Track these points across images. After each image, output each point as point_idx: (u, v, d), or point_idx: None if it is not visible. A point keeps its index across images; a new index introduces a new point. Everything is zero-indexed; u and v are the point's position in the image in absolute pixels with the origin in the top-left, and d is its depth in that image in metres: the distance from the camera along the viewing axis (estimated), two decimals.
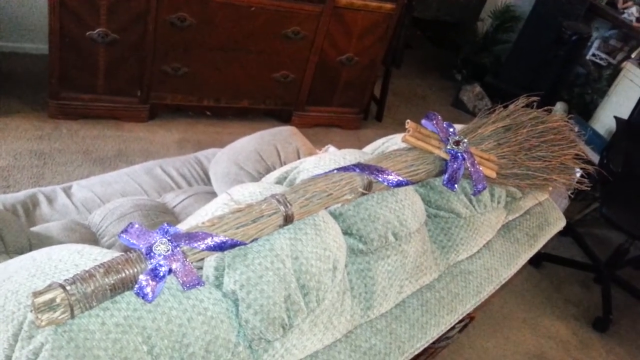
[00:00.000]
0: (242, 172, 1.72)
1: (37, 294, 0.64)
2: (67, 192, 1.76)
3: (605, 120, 3.53)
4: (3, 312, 0.69)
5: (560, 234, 1.48)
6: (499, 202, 1.15)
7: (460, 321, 1.95)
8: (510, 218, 1.25)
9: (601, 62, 3.93)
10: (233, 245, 0.77)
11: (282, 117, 3.12)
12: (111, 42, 2.47)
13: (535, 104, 1.24)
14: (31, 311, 0.66)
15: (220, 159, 1.82)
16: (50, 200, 1.71)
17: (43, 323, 0.64)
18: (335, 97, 3.16)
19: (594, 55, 3.95)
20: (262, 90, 2.95)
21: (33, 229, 1.48)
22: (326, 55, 2.95)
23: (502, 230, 1.24)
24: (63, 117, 2.62)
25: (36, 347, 0.65)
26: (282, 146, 1.82)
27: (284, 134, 1.92)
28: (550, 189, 1.27)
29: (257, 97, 2.97)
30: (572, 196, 1.30)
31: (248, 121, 3.04)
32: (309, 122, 3.15)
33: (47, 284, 0.67)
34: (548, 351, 2.31)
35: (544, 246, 1.45)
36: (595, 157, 3.09)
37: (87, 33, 2.41)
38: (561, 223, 1.35)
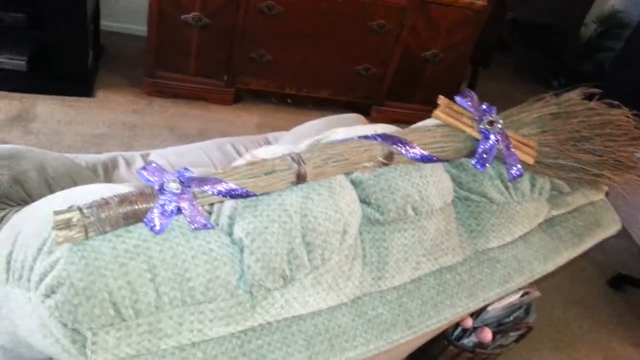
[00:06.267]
0: None
1: (57, 212, 0.72)
2: (144, 158, 1.90)
3: None
4: (35, 228, 0.78)
5: None
6: (540, 194, 1.11)
7: (516, 330, 1.87)
8: (555, 213, 1.19)
9: None
10: (243, 194, 0.81)
11: (361, 110, 3.13)
12: (204, 26, 2.63)
13: (597, 95, 1.18)
14: (53, 228, 0.74)
15: (284, 140, 1.88)
16: (128, 164, 1.86)
17: (60, 239, 0.72)
18: (417, 94, 3.13)
19: None
20: (343, 82, 2.99)
21: None
22: (410, 50, 2.93)
23: (544, 224, 1.18)
24: (156, 94, 2.83)
25: (53, 261, 0.73)
26: None
27: (349, 121, 1.95)
28: (606, 188, 1.19)
29: (338, 88, 3.02)
30: None
31: (327, 111, 3.08)
32: (387, 117, 3.14)
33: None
34: None
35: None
36: None
37: (183, 16, 2.58)
38: (615, 226, 1.26)
